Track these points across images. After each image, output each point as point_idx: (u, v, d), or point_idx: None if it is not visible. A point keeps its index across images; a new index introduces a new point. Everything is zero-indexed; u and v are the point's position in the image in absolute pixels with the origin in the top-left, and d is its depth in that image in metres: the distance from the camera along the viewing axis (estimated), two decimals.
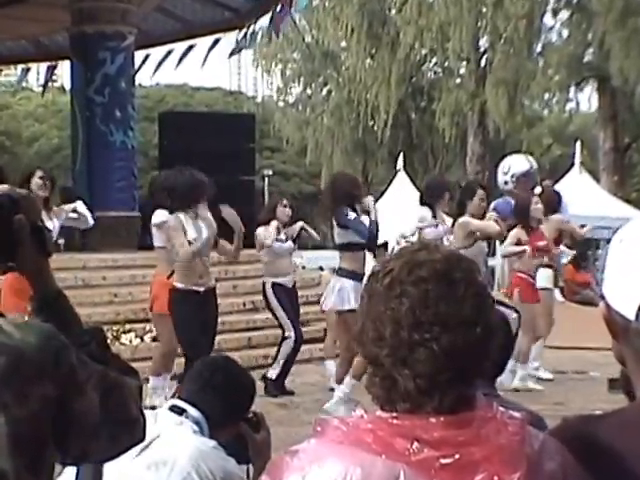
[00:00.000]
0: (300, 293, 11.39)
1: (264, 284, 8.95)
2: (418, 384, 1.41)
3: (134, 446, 1.75)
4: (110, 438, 1.64)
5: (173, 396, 2.99)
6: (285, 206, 9.03)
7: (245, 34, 15.31)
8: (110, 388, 1.62)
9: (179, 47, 16.26)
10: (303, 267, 15.46)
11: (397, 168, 18.11)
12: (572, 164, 18.24)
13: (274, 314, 8.94)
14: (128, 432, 1.70)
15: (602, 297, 1.53)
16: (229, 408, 2.90)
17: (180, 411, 2.87)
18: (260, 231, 8.86)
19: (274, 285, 8.81)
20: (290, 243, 9.00)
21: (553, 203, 9.50)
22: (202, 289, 7.06)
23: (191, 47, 16.08)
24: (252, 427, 2.89)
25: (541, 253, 8.94)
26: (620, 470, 1.42)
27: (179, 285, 7.06)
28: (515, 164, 11.00)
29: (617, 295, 1.47)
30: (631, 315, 1.44)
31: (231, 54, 16.24)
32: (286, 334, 8.76)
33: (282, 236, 8.90)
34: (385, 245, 11.50)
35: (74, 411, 1.54)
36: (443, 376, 1.41)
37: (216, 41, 15.99)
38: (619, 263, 1.48)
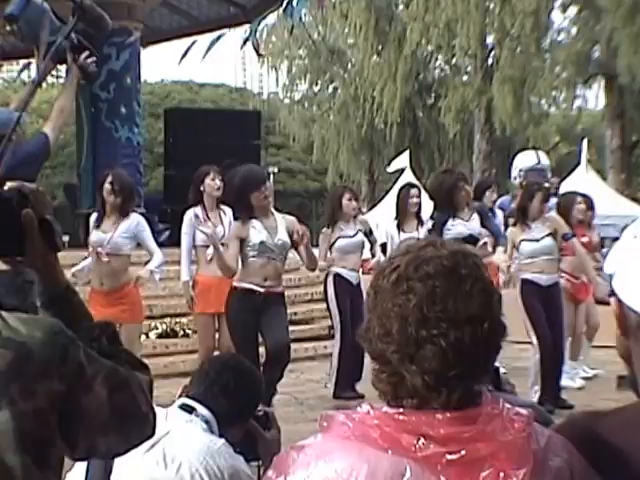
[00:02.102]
0: (305, 291, 11.39)
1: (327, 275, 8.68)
2: (426, 380, 1.41)
3: (144, 442, 1.74)
4: (119, 434, 1.64)
5: (180, 395, 3.00)
6: (350, 199, 8.57)
7: (252, 28, 15.36)
8: (119, 384, 1.61)
9: (203, 39, 16.31)
10: None
11: (401, 166, 18.08)
12: (579, 162, 18.22)
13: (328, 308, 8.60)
14: (137, 428, 1.69)
15: (613, 293, 1.52)
16: (237, 407, 2.92)
17: (190, 409, 2.88)
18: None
19: (336, 276, 8.54)
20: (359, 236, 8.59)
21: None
22: (262, 290, 6.67)
23: (194, 42, 16.12)
24: (262, 425, 2.89)
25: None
26: (626, 466, 1.43)
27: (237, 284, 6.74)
28: (523, 159, 11.09)
29: (631, 291, 1.47)
30: None
31: (244, 43, 16.32)
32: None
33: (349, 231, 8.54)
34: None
35: (81, 407, 1.54)
36: (451, 372, 1.41)
37: (219, 36, 16.02)
38: (633, 259, 1.47)
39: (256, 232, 6.65)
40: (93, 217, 7.18)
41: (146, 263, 7.28)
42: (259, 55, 16.04)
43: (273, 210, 6.90)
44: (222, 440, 2.84)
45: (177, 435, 2.79)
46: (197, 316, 7.77)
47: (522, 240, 7.95)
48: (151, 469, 2.74)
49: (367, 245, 8.85)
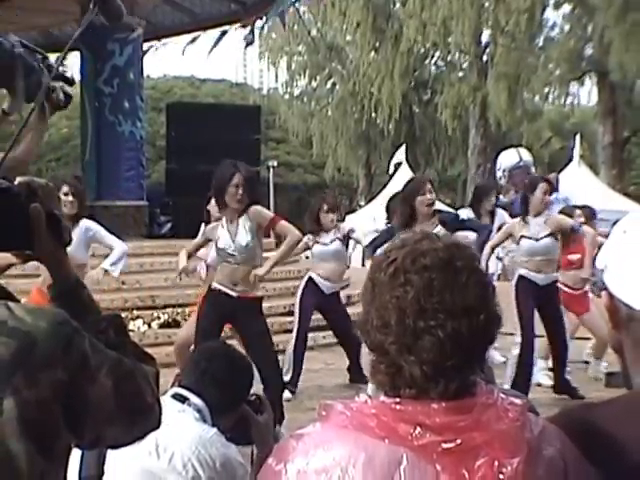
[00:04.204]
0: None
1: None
2: (424, 371, 1.42)
3: (150, 433, 1.74)
4: (125, 425, 1.64)
5: (173, 385, 2.99)
6: (328, 211, 8.39)
7: (253, 28, 15.34)
8: (124, 375, 1.61)
9: (206, 35, 16.28)
10: (307, 257, 15.48)
11: (397, 161, 18.05)
12: (571, 157, 18.20)
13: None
14: (143, 419, 1.69)
15: (604, 287, 1.53)
16: (229, 395, 2.91)
17: (182, 399, 2.87)
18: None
19: (309, 280, 8.44)
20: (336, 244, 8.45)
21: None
22: (235, 294, 6.44)
23: (195, 38, 16.13)
24: (255, 409, 2.89)
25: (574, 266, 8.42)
26: (618, 456, 1.43)
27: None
28: (505, 159, 11.05)
29: (622, 284, 1.47)
30: (636, 304, 1.45)
31: (247, 45, 16.31)
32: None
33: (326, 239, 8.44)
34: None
35: (86, 397, 1.53)
36: (448, 363, 1.42)
37: (223, 33, 16.01)
38: (624, 253, 1.48)
39: (221, 235, 6.47)
40: None
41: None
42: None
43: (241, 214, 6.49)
44: (214, 429, 2.84)
45: (169, 425, 2.79)
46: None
47: (522, 236, 7.72)
48: (144, 459, 2.73)
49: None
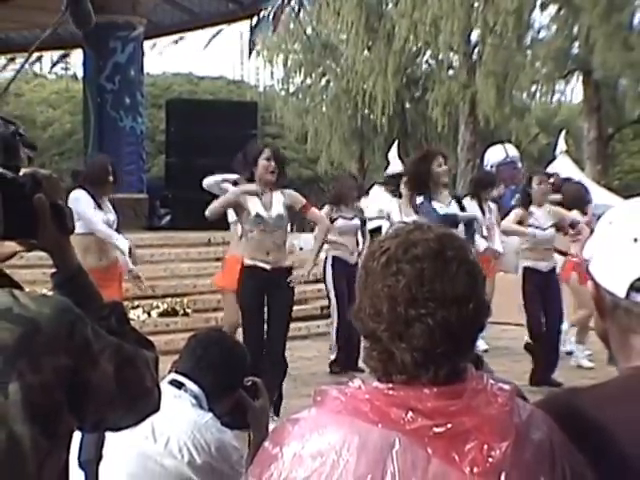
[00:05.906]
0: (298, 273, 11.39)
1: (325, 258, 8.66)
2: (415, 357, 1.41)
3: (149, 416, 1.75)
4: (126, 408, 1.64)
5: (170, 371, 2.99)
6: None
7: (254, 26, 15.36)
8: (125, 360, 1.61)
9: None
10: (301, 248, 15.48)
11: (392, 156, 18.01)
12: (554, 151, 18.17)
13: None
14: (143, 403, 1.69)
15: (591, 277, 1.53)
16: (225, 382, 2.90)
17: (179, 385, 2.87)
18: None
19: (334, 258, 8.57)
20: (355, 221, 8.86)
21: (579, 199, 8.87)
22: (269, 267, 6.47)
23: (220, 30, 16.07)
24: (251, 395, 2.89)
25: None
26: (603, 440, 1.43)
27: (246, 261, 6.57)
28: (492, 154, 11.12)
29: (607, 274, 1.48)
30: (621, 293, 1.45)
31: (250, 51, 16.37)
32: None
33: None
34: (379, 229, 11.47)
35: (89, 382, 1.53)
36: (438, 350, 1.41)
37: (218, 32, 16.06)
38: (609, 243, 1.48)
39: (254, 204, 6.46)
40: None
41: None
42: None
43: (275, 190, 6.59)
44: (209, 414, 2.84)
45: (166, 410, 2.79)
46: (225, 293, 7.78)
47: (529, 226, 7.94)
48: (140, 443, 2.73)
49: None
